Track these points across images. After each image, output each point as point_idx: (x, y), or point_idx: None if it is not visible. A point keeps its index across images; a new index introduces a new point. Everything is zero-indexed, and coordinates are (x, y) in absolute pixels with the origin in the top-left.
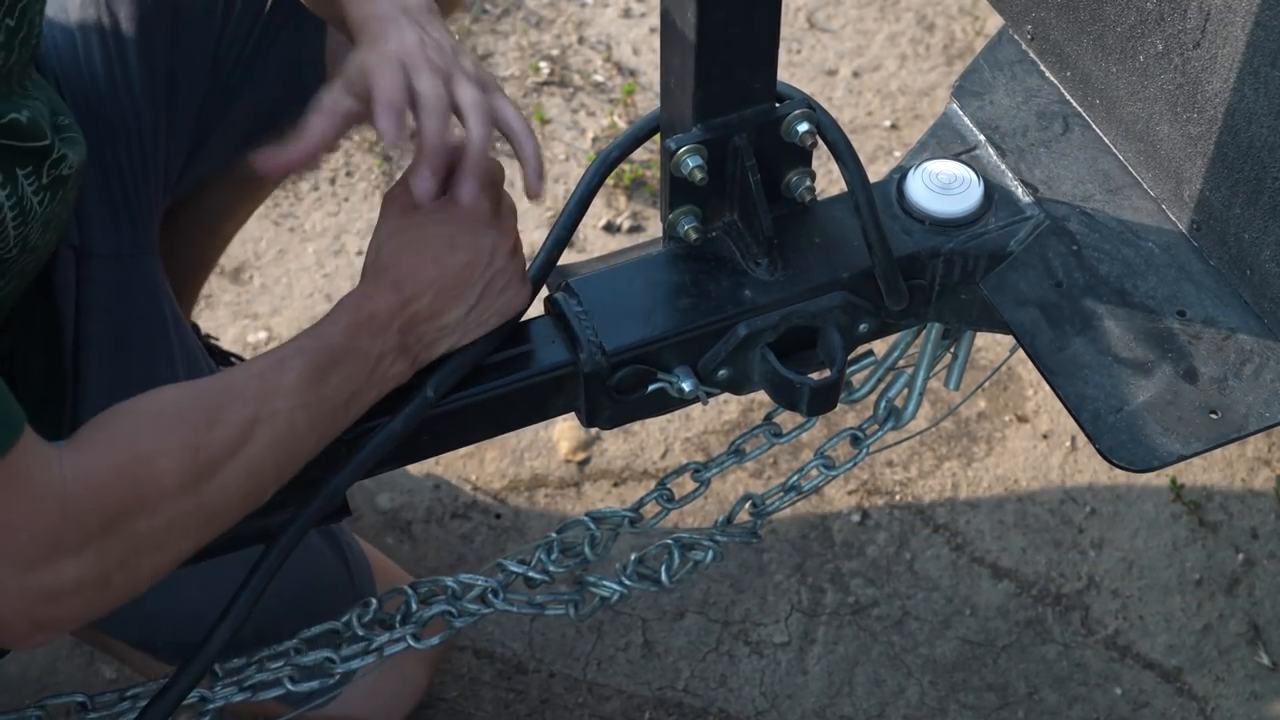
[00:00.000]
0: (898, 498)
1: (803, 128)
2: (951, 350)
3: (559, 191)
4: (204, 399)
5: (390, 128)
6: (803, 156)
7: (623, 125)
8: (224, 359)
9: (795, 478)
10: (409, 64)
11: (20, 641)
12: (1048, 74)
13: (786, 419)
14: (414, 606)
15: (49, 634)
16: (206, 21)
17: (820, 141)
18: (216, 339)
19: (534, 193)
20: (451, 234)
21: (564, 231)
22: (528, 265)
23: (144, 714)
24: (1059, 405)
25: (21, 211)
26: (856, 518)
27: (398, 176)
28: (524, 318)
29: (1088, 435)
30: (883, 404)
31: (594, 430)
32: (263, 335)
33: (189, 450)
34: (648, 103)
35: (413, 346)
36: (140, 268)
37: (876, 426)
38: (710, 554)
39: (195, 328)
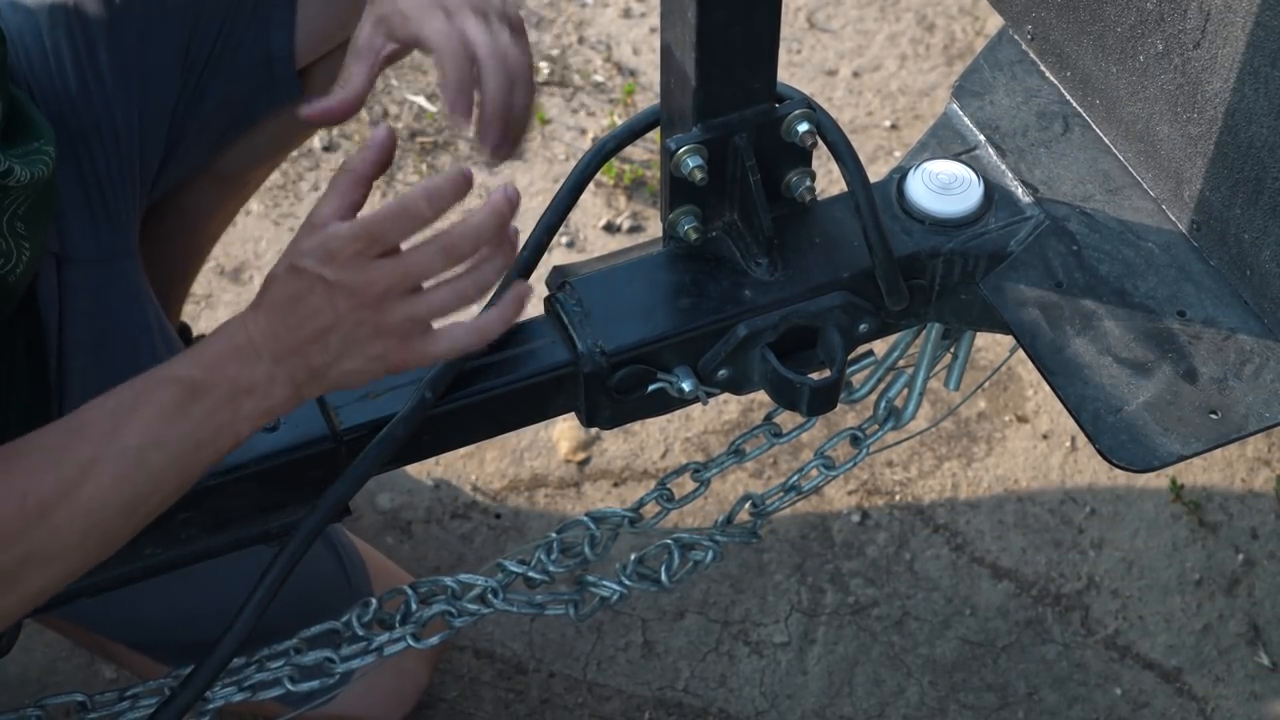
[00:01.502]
0: (898, 498)
1: (803, 128)
2: (951, 350)
3: None
4: (49, 439)
5: (458, 104)
6: (803, 156)
7: None
8: None
9: (795, 478)
10: (446, 5)
11: None
12: (1048, 74)
13: (786, 419)
14: (413, 606)
15: None
16: (175, 21)
17: (820, 141)
18: None
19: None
20: (299, 277)
21: (555, 217)
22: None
23: None
24: (1059, 405)
25: None
26: (856, 518)
27: (398, 178)
28: (523, 317)
29: (1088, 435)
30: (883, 404)
31: (594, 430)
32: None
33: (15, 496)
34: (648, 103)
35: (289, 377)
36: (120, 272)
37: (876, 426)
38: (710, 554)
39: (186, 328)
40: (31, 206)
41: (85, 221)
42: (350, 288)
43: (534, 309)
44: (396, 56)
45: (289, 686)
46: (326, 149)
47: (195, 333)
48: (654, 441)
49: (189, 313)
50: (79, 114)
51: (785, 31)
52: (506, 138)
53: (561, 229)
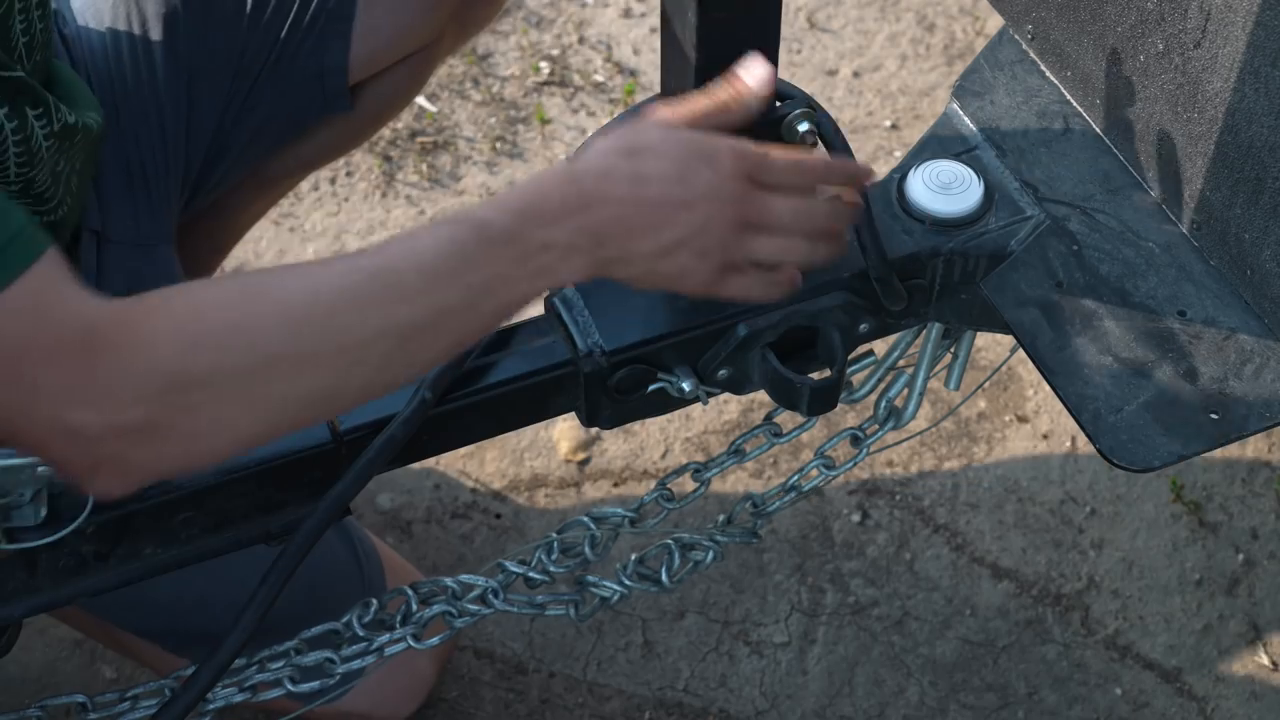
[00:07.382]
0: (898, 498)
1: (803, 127)
2: (951, 350)
3: None
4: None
5: None
6: None
7: None
8: None
9: (795, 478)
10: None
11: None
12: (1048, 74)
13: (786, 419)
14: (414, 607)
15: (114, 479)
16: (234, 25)
17: (820, 141)
18: None
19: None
20: (684, 163)
21: None
22: None
23: None
24: (1059, 405)
25: (28, 150)
26: (856, 518)
27: (398, 177)
28: (524, 316)
29: (1088, 435)
30: (883, 404)
31: (594, 430)
32: None
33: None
34: None
35: (594, 250)
36: (157, 257)
37: (876, 426)
38: (710, 554)
39: None
40: (83, 164)
41: (126, 205)
42: (739, 202)
43: (534, 309)
44: None
45: (289, 688)
46: None
47: None
48: (654, 441)
49: None
50: (131, 103)
51: (785, 31)
52: None
53: None
